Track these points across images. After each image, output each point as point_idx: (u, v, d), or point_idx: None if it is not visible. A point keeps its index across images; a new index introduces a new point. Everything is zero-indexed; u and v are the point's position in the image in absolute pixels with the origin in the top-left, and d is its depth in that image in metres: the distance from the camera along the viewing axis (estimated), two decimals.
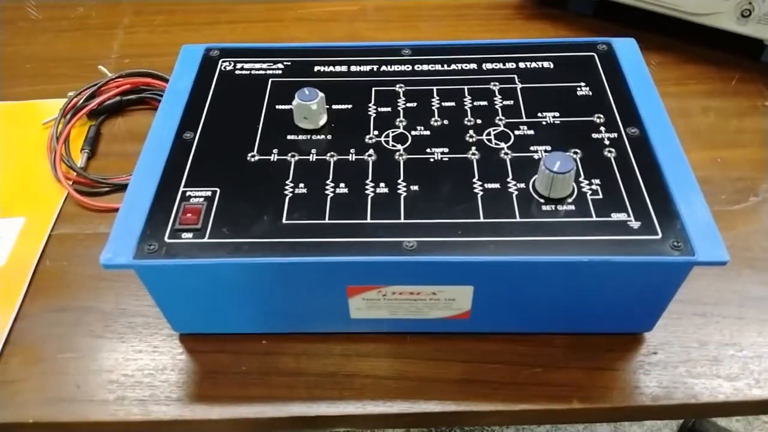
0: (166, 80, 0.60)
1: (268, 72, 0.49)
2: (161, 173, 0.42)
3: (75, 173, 0.54)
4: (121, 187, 0.54)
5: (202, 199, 0.40)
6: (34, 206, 0.53)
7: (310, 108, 0.44)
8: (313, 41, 0.69)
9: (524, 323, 0.43)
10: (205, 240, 0.38)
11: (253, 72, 0.50)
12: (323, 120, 0.45)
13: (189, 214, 0.39)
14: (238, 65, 0.50)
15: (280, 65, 0.50)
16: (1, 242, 0.50)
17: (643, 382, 0.42)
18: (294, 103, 0.44)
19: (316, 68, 0.50)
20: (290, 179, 0.41)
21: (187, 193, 0.41)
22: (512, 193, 0.40)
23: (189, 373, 0.43)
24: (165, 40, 0.70)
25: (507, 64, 0.49)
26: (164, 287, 0.40)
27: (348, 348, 0.44)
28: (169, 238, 0.38)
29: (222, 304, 0.42)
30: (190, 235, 0.38)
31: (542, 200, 0.39)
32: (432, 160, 0.42)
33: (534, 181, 0.40)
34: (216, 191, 0.41)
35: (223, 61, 0.50)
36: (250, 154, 0.43)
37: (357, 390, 0.42)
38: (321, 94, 0.44)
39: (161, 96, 0.60)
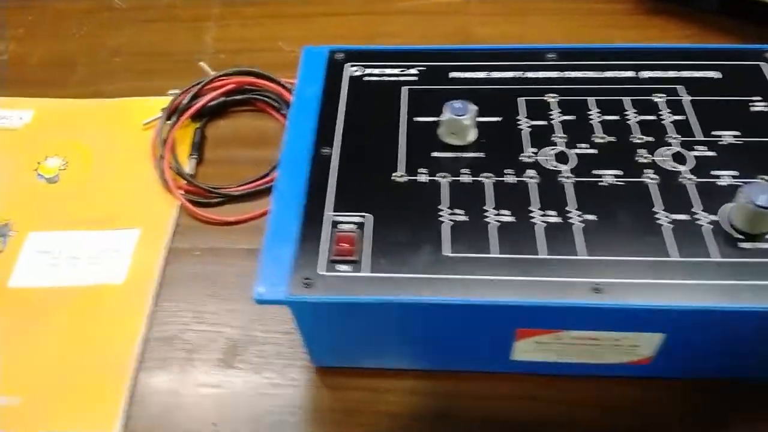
0: (272, 80, 0.57)
1: (401, 78, 0.45)
2: (304, 195, 0.38)
3: (185, 181, 0.52)
4: (233, 198, 0.51)
5: (353, 226, 0.37)
6: (146, 217, 0.50)
7: (461, 123, 0.40)
8: (417, 37, 0.65)
9: (712, 369, 0.39)
10: (364, 274, 0.35)
11: (384, 78, 0.45)
12: (472, 136, 0.41)
13: (344, 244, 0.36)
14: (367, 70, 0.46)
15: (412, 70, 0.46)
16: (119, 256, 0.47)
17: None
18: (443, 116, 0.40)
19: (452, 74, 0.45)
20: (444, 203, 0.38)
21: (337, 220, 0.37)
22: (702, 226, 0.36)
23: (332, 412, 0.40)
24: (259, 34, 0.66)
25: (668, 72, 0.44)
26: (316, 322, 0.37)
27: (514, 388, 0.40)
28: (324, 270, 0.35)
29: (371, 340, 0.38)
30: (347, 267, 0.35)
31: (740, 236, 0.35)
32: (603, 183, 0.38)
33: (726, 213, 0.36)
34: (367, 217, 0.37)
35: (351, 66, 0.46)
36: (395, 174, 0.39)
37: None
38: (474, 108, 0.40)
39: (267, 97, 0.57)
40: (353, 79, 0.46)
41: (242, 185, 0.51)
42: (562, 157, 0.40)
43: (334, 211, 0.38)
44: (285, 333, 0.43)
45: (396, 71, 0.46)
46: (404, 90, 0.45)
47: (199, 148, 0.54)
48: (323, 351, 0.40)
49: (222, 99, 0.56)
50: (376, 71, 0.46)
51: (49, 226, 0.49)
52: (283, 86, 0.56)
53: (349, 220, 0.37)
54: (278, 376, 0.41)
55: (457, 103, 0.40)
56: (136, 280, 0.46)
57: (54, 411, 0.40)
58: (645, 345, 0.36)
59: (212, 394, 0.40)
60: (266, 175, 0.51)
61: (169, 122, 0.55)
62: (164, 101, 0.57)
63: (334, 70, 0.46)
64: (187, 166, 0.52)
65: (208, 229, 0.49)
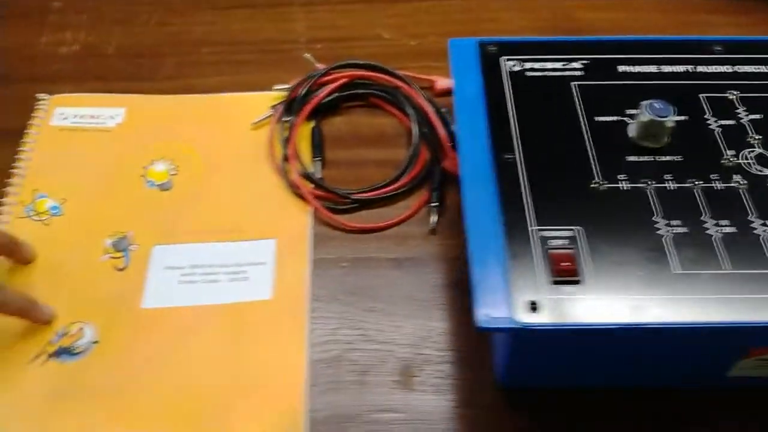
0: (390, 73, 0.53)
1: (566, 73, 0.42)
2: (498, 207, 0.35)
3: (311, 186, 0.48)
4: (366, 204, 0.48)
5: (566, 242, 0.34)
6: (280, 226, 0.46)
7: (663, 125, 0.37)
8: (518, 22, 0.62)
9: None
10: (589, 295, 0.32)
11: (548, 73, 0.42)
12: (667, 138, 0.38)
13: (564, 263, 0.33)
14: (527, 64, 0.43)
15: (575, 64, 0.43)
16: (261, 270, 0.44)
17: None
18: (641, 117, 0.37)
19: (620, 68, 0.42)
20: (658, 214, 0.35)
21: (545, 235, 0.34)
22: None
23: None
24: (352, 22, 0.61)
25: None
26: (530, 346, 0.35)
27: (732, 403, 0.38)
28: (547, 293, 0.32)
29: (580, 360, 0.36)
30: (571, 288, 0.32)
31: None
32: None
33: None
34: (576, 230, 0.35)
35: (506, 60, 0.43)
36: (593, 182, 0.37)
37: None
38: (674, 108, 0.38)
39: (381, 92, 0.53)
40: (514, 75, 0.42)
41: (375, 190, 0.47)
42: (762, 160, 0.38)
43: (539, 225, 0.35)
44: (457, 350, 0.40)
45: (558, 65, 0.43)
46: (573, 86, 0.42)
47: (320, 148, 0.50)
48: (520, 372, 0.38)
49: (336, 95, 0.53)
50: (537, 65, 0.43)
51: (172, 239, 0.45)
52: (404, 80, 0.52)
53: (559, 235, 0.34)
54: (463, 398, 0.38)
55: (658, 103, 0.37)
56: (286, 296, 0.42)
57: None
58: None
59: (395, 419, 0.38)
60: (397, 178, 0.48)
61: (285, 121, 0.51)
62: (270, 97, 0.53)
63: (489, 64, 0.43)
64: (312, 168, 0.49)
65: (346, 238, 0.46)
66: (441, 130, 0.49)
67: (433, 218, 0.46)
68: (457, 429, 0.38)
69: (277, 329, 0.41)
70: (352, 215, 0.47)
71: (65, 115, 0.53)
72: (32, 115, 0.52)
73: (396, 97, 0.52)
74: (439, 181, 0.47)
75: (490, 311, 0.32)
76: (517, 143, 0.38)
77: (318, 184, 0.47)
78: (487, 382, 0.39)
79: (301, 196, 0.47)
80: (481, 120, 0.40)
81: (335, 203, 0.47)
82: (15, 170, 0.49)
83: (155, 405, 0.38)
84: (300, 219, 0.46)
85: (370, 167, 0.50)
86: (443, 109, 0.51)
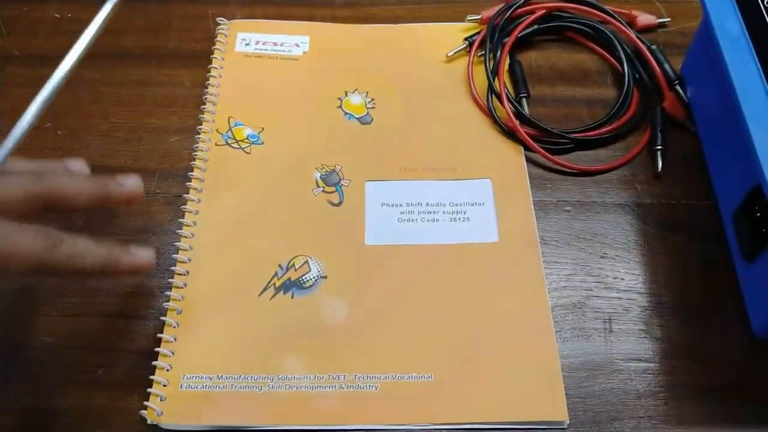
0: (592, 5, 0.49)
1: None
2: None
3: (521, 122, 0.45)
4: (583, 144, 0.45)
5: None
6: (493, 165, 0.44)
7: None
8: None
9: None
10: None
11: None
12: None
13: None
14: None
15: None
16: (481, 212, 0.42)
17: None
18: None
19: None
20: None
21: None
22: None
23: None
24: None
25: None
26: None
27: None
28: None
29: None
30: None
31: None
32: None
33: None
34: None
35: None
36: None
37: None
38: None
39: (578, 25, 0.50)
40: None
41: (591, 129, 0.45)
42: None
43: None
44: (698, 298, 0.39)
45: None
46: None
47: (525, 84, 0.47)
48: None
49: (536, 26, 0.49)
50: None
51: (381, 175, 0.44)
52: (611, 14, 0.49)
53: None
54: (714, 351, 0.37)
55: None
56: (513, 239, 0.41)
57: (481, 387, 0.36)
58: None
59: (645, 368, 0.37)
60: (611, 118, 0.45)
61: (481, 54, 0.48)
62: (461, 28, 0.50)
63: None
64: (521, 106, 0.46)
65: (564, 180, 0.44)
66: (657, 69, 0.47)
67: (659, 162, 0.43)
68: (708, 381, 0.36)
69: (510, 273, 0.40)
70: (569, 156, 0.45)
71: (248, 41, 0.50)
72: (215, 40, 0.50)
73: (601, 32, 0.49)
74: (662, 123, 0.45)
75: None
76: None
77: (531, 121, 0.45)
78: (736, 331, 0.38)
79: (513, 134, 0.45)
80: (751, 60, 0.37)
81: (551, 143, 0.45)
82: (207, 97, 0.47)
83: (395, 343, 0.37)
84: (514, 158, 0.44)
85: (576, 106, 0.47)
86: (654, 46, 0.48)
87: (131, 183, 0.36)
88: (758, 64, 0.37)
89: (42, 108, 0.34)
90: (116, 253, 0.34)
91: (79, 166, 0.37)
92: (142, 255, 0.35)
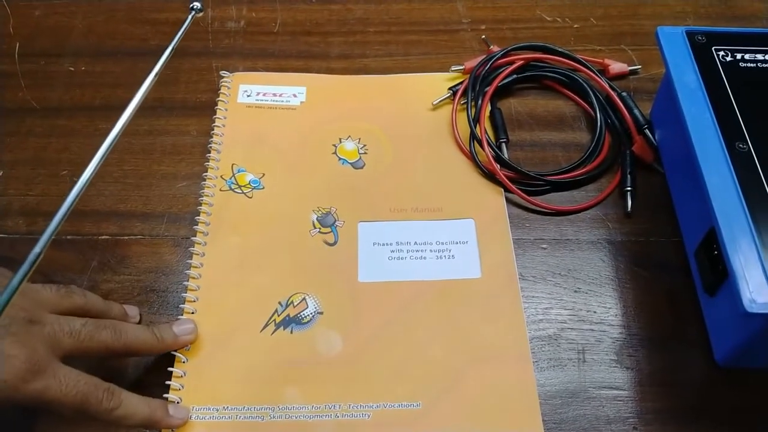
0: (567, 56, 0.54)
1: None
2: (741, 197, 0.36)
3: (500, 166, 0.49)
4: (559, 186, 0.48)
5: None
6: (475, 206, 0.48)
7: None
8: (677, 8, 0.62)
9: None
10: None
11: (761, 65, 0.43)
12: None
13: None
14: (737, 55, 0.44)
15: None
16: (465, 250, 0.45)
17: None
18: None
19: None
20: None
21: None
22: None
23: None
24: (510, 3, 0.62)
25: None
26: None
27: None
28: None
29: None
30: None
31: None
32: None
33: None
34: None
35: (716, 50, 0.44)
36: None
37: None
38: None
39: (559, 75, 0.54)
40: (727, 66, 0.43)
41: (566, 172, 0.49)
42: None
43: None
44: (667, 329, 0.42)
45: None
46: None
47: (504, 130, 0.51)
48: (746, 353, 0.39)
49: (514, 76, 0.54)
50: (747, 56, 0.44)
51: (373, 216, 0.47)
52: (583, 63, 0.53)
53: None
54: (679, 377, 0.40)
55: None
56: (494, 276, 0.44)
57: (465, 414, 0.39)
58: None
59: (616, 396, 0.40)
60: (585, 162, 0.49)
61: (464, 102, 0.52)
62: (446, 77, 0.55)
63: (700, 54, 0.44)
64: (500, 150, 0.50)
65: (541, 219, 0.47)
66: (627, 115, 0.50)
67: (629, 202, 0.47)
68: (674, 405, 0.40)
69: (492, 306, 0.43)
70: (545, 198, 0.48)
71: (249, 93, 0.54)
72: (219, 91, 0.54)
73: (575, 80, 0.53)
74: (631, 165, 0.48)
75: (755, 297, 0.33)
76: (747, 134, 0.40)
77: (509, 165, 0.49)
78: (700, 359, 0.41)
79: (493, 177, 0.49)
80: (705, 109, 0.41)
81: (527, 185, 0.49)
82: (212, 145, 0.51)
83: (386, 374, 0.41)
84: (495, 199, 0.48)
85: (552, 149, 0.51)
86: (624, 93, 0.52)
87: (187, 339, 0.41)
88: (713, 114, 0.41)
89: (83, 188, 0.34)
90: (159, 414, 0.38)
91: (135, 312, 0.43)
92: (180, 416, 0.39)
